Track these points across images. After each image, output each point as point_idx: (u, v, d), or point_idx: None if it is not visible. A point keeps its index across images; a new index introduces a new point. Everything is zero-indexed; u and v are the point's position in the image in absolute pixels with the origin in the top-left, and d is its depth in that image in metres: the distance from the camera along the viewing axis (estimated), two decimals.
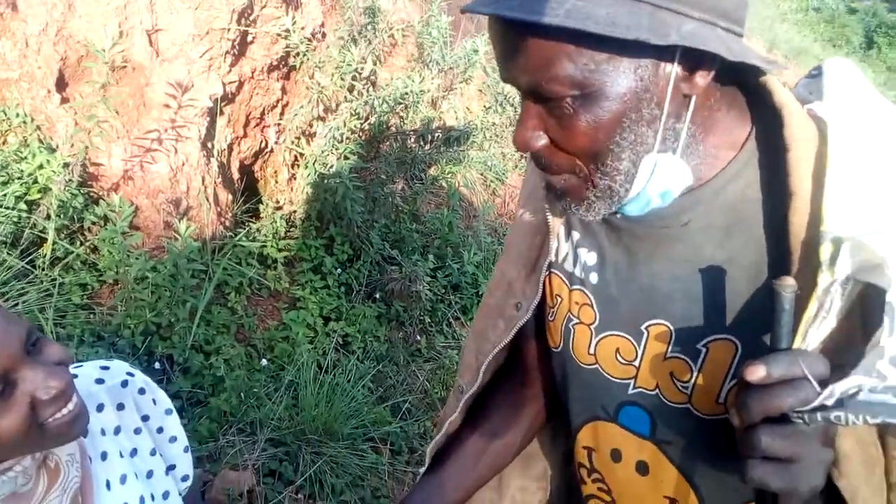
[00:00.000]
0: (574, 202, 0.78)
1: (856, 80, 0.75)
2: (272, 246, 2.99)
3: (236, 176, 3.36)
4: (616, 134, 0.69)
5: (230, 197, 3.10)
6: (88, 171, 2.57)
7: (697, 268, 0.78)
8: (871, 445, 0.70)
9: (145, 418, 1.19)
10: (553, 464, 1.20)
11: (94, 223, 2.48)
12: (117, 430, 1.14)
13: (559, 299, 0.96)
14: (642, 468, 0.90)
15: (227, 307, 2.62)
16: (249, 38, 3.07)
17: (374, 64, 2.86)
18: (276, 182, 3.61)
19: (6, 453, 0.86)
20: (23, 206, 2.29)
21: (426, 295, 2.97)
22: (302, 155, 3.26)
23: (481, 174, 4.11)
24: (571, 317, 0.93)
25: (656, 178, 0.73)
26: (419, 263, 3.02)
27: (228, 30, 2.85)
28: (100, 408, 1.07)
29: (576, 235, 0.93)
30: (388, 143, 3.11)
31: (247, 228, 2.99)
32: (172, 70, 2.76)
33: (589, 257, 0.91)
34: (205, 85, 2.86)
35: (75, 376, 1.11)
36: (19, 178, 2.34)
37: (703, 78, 0.68)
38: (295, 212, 3.27)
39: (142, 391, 1.18)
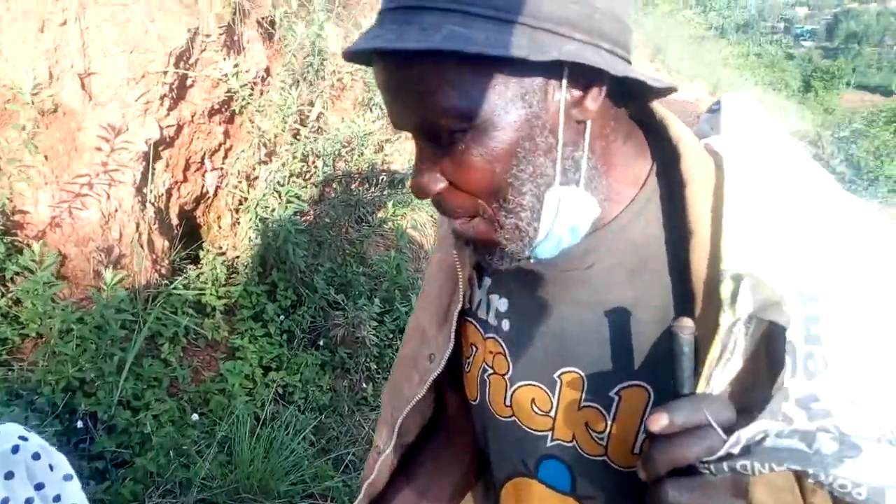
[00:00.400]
0: (486, 251, 0.73)
1: (753, 114, 0.73)
2: (211, 293, 2.89)
3: (175, 221, 3.26)
4: (513, 166, 0.65)
5: (167, 243, 3.01)
6: (12, 219, 2.46)
7: (603, 311, 0.74)
8: (785, 492, 0.66)
9: (39, 486, 1.11)
10: None
11: (17, 273, 2.36)
12: (5, 502, 1.06)
13: (474, 349, 0.92)
14: None
15: (159, 359, 2.50)
16: (189, 81, 3.02)
17: (322, 108, 2.83)
18: (220, 227, 3.52)
19: None
20: None
21: (371, 340, 2.89)
22: (245, 199, 3.19)
23: (430, 215, 4.08)
24: (486, 367, 0.89)
25: (563, 213, 0.69)
26: (365, 308, 2.95)
27: (165, 73, 2.79)
28: None
29: (487, 281, 0.89)
30: (333, 186, 3.06)
31: (184, 276, 2.88)
32: (106, 114, 2.69)
33: (500, 304, 0.87)
34: (140, 129, 2.79)
35: None
36: None
37: (593, 100, 0.65)
38: (238, 257, 3.19)
39: (36, 456, 1.10)
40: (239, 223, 3.33)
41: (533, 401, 0.83)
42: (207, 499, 2.05)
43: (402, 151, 3.30)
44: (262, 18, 3.48)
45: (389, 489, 1.05)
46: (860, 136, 18.31)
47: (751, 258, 0.61)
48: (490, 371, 0.88)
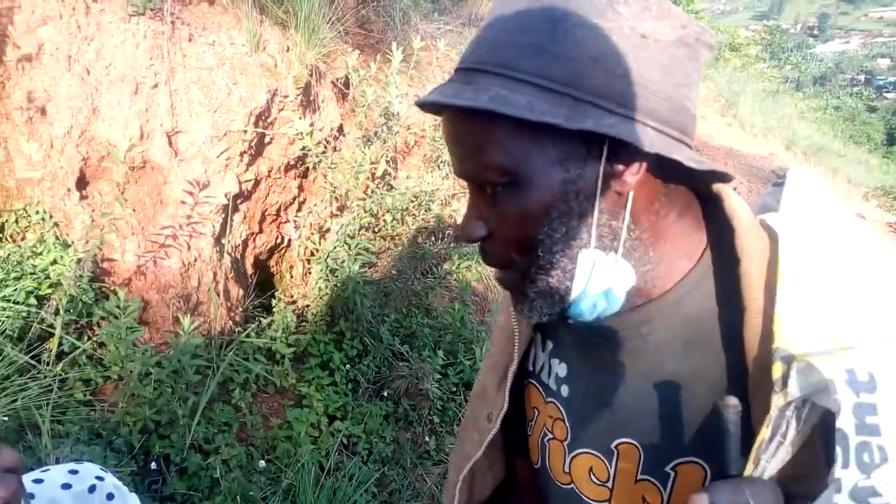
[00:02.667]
0: (518, 302, 0.75)
1: (815, 191, 0.73)
2: (281, 341, 2.96)
3: (250, 271, 3.39)
4: (545, 225, 0.67)
5: (241, 292, 3.12)
6: (101, 266, 2.61)
7: (659, 383, 0.73)
8: None
9: None
10: None
11: (103, 318, 2.49)
12: None
13: (536, 412, 0.92)
14: None
15: (230, 404, 2.57)
16: (267, 139, 3.18)
17: (389, 164, 2.92)
18: (292, 277, 3.63)
19: None
20: (32, 300, 2.31)
21: (435, 393, 2.89)
22: (317, 250, 3.29)
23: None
24: (546, 432, 0.89)
25: (596, 276, 0.70)
26: (429, 360, 2.96)
27: (245, 132, 2.95)
28: None
29: (549, 345, 0.90)
30: (401, 239, 3.13)
31: (256, 324, 2.97)
32: (190, 169, 2.85)
33: (560, 368, 0.87)
34: (221, 183, 2.94)
35: (41, 481, 1.08)
36: (32, 274, 2.37)
37: (632, 175, 0.66)
38: (307, 306, 3.27)
39: (110, 496, 1.14)
40: (310, 273, 3.43)
41: (591, 469, 0.82)
42: None
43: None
44: (336, 79, 3.65)
45: None
46: None
47: (803, 341, 0.60)
48: (550, 436, 0.88)
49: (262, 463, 2.32)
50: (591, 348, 0.81)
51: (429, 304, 3.51)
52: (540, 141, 0.64)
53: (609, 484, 0.80)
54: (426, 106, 0.71)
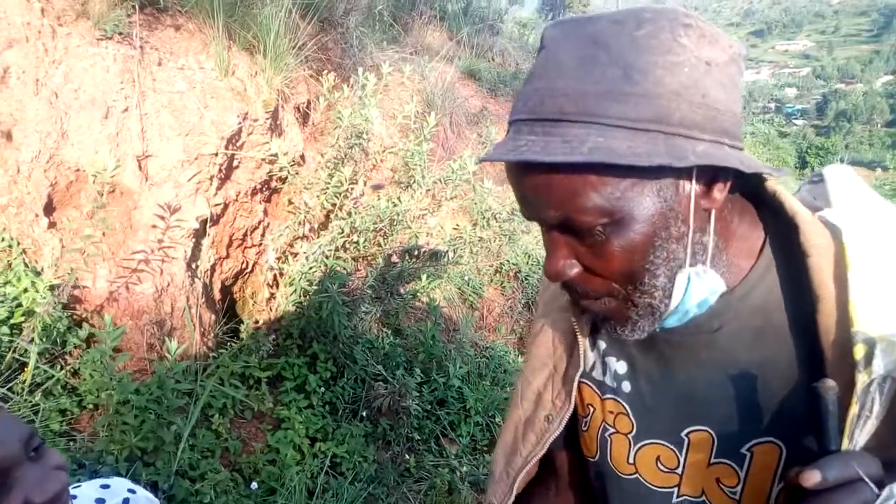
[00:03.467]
0: (618, 324, 0.80)
1: (857, 185, 0.81)
2: (255, 366, 2.93)
3: (218, 296, 3.34)
4: (650, 254, 0.72)
5: (213, 317, 3.07)
6: (72, 293, 2.54)
7: (732, 372, 0.80)
8: None
9: None
10: None
11: (76, 346, 2.42)
12: None
13: (591, 409, 0.97)
14: None
15: (210, 430, 2.52)
16: (235, 163, 3.17)
17: (363, 184, 2.96)
18: (255, 302, 3.60)
19: None
20: (5, 329, 2.23)
21: (415, 409, 2.91)
22: (282, 274, 3.28)
23: (459, 289, 4.16)
24: (607, 426, 0.94)
25: (693, 290, 0.76)
26: (406, 378, 2.98)
27: (216, 155, 2.94)
28: None
29: (602, 344, 0.95)
30: (374, 259, 3.16)
31: (230, 349, 2.93)
32: (161, 193, 2.81)
33: (619, 366, 0.92)
34: (192, 207, 2.91)
35: (74, 497, 1.07)
36: (1, 303, 2.29)
37: (720, 192, 0.73)
38: (277, 330, 3.24)
39: None
40: (274, 298, 3.41)
41: (658, 458, 0.88)
42: None
43: (442, 224, 3.43)
44: (298, 104, 3.68)
45: None
46: None
47: (880, 323, 0.67)
48: (612, 430, 0.93)
49: (254, 485, 2.28)
50: (657, 344, 0.86)
51: (398, 324, 3.54)
52: (635, 178, 0.68)
53: (678, 470, 0.86)
54: (494, 160, 0.73)
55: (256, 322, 3.38)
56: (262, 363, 2.97)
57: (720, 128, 0.69)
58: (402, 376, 3.04)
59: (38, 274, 2.43)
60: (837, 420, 0.64)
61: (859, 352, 0.66)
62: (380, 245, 3.15)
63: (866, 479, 0.60)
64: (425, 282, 3.38)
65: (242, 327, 3.27)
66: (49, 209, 2.61)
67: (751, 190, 0.83)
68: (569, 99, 0.67)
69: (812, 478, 0.61)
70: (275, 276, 3.39)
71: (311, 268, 2.84)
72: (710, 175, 0.72)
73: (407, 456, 2.96)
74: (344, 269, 3.08)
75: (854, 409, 0.66)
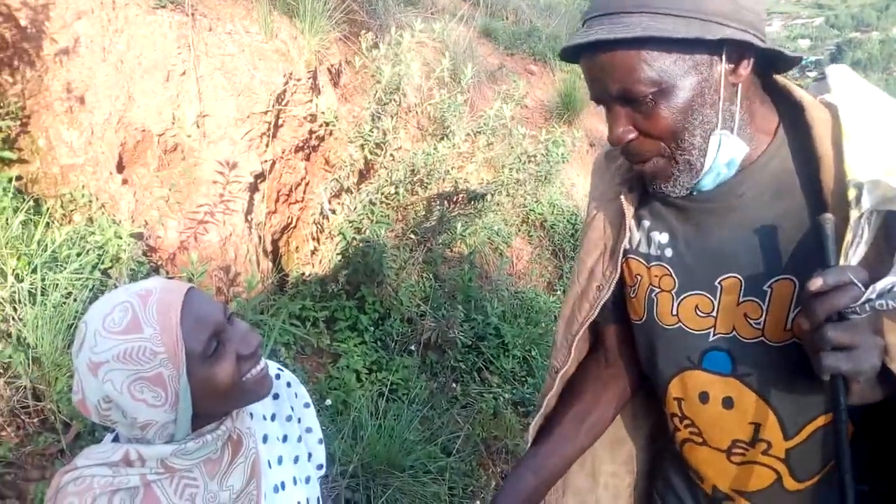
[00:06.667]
0: (662, 181, 1.02)
1: (852, 78, 1.02)
2: (310, 308, 3.18)
3: (269, 248, 3.59)
4: (689, 115, 0.94)
5: (270, 265, 3.32)
6: (147, 243, 2.79)
7: (754, 227, 1.00)
8: None
9: (291, 409, 1.35)
10: (638, 446, 1.37)
11: None
12: (273, 417, 1.30)
13: (639, 278, 1.16)
14: (728, 403, 1.07)
15: (279, 362, 2.78)
16: (280, 121, 3.39)
17: (400, 134, 3.17)
18: (299, 256, 3.84)
19: (216, 404, 1.04)
20: (97, 273, 2.48)
21: (462, 340, 3.16)
22: (325, 228, 3.52)
23: (489, 239, 4.38)
24: (653, 288, 1.13)
25: (722, 151, 0.97)
26: (451, 312, 3.23)
27: (266, 113, 3.16)
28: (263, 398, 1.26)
29: (646, 223, 1.15)
30: (413, 207, 3.38)
31: (287, 293, 3.19)
32: (218, 151, 3.04)
33: (662, 237, 1.12)
34: (247, 163, 3.14)
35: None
36: (91, 250, 2.54)
37: (745, 69, 0.95)
38: (325, 277, 3.49)
39: (289, 384, 1.35)
40: (317, 251, 3.65)
41: (696, 307, 1.08)
42: (346, 471, 2.30)
43: (480, 171, 3.64)
44: (331, 66, 3.88)
45: (555, 409, 1.30)
46: None
47: (868, 170, 0.88)
48: (657, 290, 1.13)
49: (328, 402, 2.55)
50: (693, 214, 1.07)
51: (436, 271, 3.77)
52: (678, 55, 0.91)
53: (714, 314, 1.06)
54: (570, 53, 0.97)
55: (303, 274, 3.63)
56: (316, 305, 3.22)
57: (745, 20, 0.91)
58: (445, 312, 3.28)
59: (117, 225, 2.68)
60: (836, 245, 0.85)
61: (851, 193, 0.87)
62: (418, 194, 3.37)
63: (856, 282, 0.81)
64: (461, 230, 3.60)
65: (291, 277, 3.52)
66: (120, 167, 2.84)
67: (768, 83, 1.04)
68: None
69: (816, 283, 0.82)
70: (319, 229, 3.63)
71: (359, 215, 3.07)
72: (736, 56, 0.93)
73: (454, 385, 3.22)
74: (386, 216, 3.31)
75: (849, 237, 0.87)
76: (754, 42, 0.91)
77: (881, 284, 0.79)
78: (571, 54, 0.98)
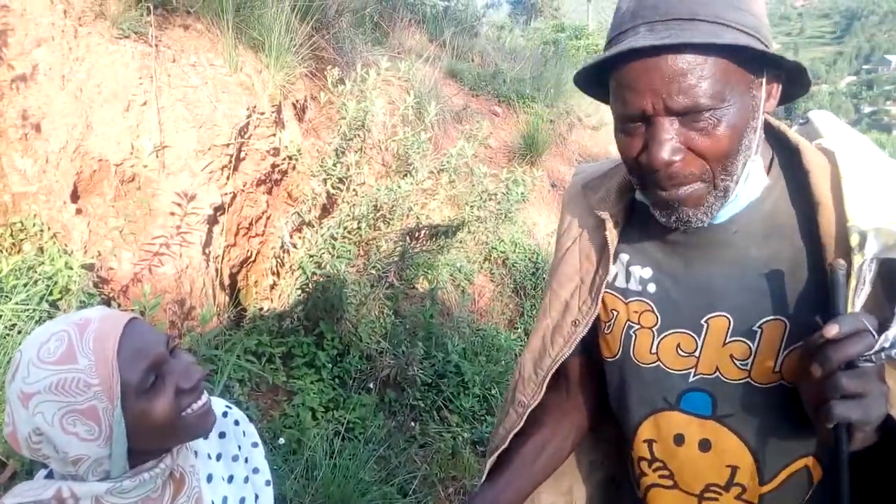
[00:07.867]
0: (691, 207, 0.94)
1: (838, 123, 1.04)
2: (267, 344, 3.12)
3: (227, 282, 3.53)
4: (742, 138, 0.90)
5: (227, 299, 3.26)
6: (100, 274, 2.72)
7: (745, 266, 0.98)
8: None
9: (238, 448, 1.32)
10: (575, 479, 1.34)
11: None
12: (220, 457, 1.27)
13: (615, 314, 1.13)
14: (704, 445, 1.04)
15: (233, 399, 2.71)
16: (242, 154, 3.36)
17: (367, 172, 3.18)
18: (258, 290, 3.79)
19: (154, 440, 1.00)
20: (45, 305, 2.40)
21: (421, 378, 3.12)
22: (282, 265, 3.48)
23: (451, 276, 4.39)
24: (632, 324, 1.09)
25: (750, 180, 0.96)
26: (411, 349, 3.20)
27: (228, 145, 3.14)
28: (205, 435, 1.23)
29: (625, 257, 1.12)
30: (374, 242, 3.37)
31: (243, 328, 3.13)
32: (177, 182, 3.00)
33: (644, 272, 1.09)
34: (206, 195, 3.10)
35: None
36: (40, 281, 2.46)
37: (775, 96, 0.93)
38: (283, 313, 3.44)
39: (237, 422, 1.32)
40: (277, 285, 3.60)
41: (678, 345, 1.05)
42: None
43: (441, 208, 3.65)
44: (296, 101, 3.89)
45: (518, 435, 1.25)
46: None
47: (869, 217, 0.88)
48: (637, 327, 1.09)
49: (281, 440, 2.48)
50: (681, 248, 1.05)
51: (397, 307, 3.75)
52: (743, 72, 0.87)
53: (696, 353, 1.03)
54: (585, 83, 0.97)
55: (261, 308, 3.57)
56: (272, 341, 3.16)
57: (767, 37, 0.90)
58: (405, 350, 3.25)
59: (69, 256, 2.61)
60: (846, 290, 0.85)
61: (854, 240, 0.87)
62: (380, 230, 3.36)
63: (870, 329, 0.80)
64: (423, 266, 3.59)
65: (249, 311, 3.46)
66: (75, 196, 2.78)
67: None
68: (700, 5, 0.86)
69: (832, 329, 0.80)
70: (279, 263, 3.59)
71: (319, 249, 3.04)
72: (773, 80, 0.93)
73: (412, 423, 3.17)
74: (348, 251, 3.29)
75: (853, 283, 0.86)
76: (797, 65, 0.90)
77: (893, 333, 0.80)
78: (582, 82, 0.96)
